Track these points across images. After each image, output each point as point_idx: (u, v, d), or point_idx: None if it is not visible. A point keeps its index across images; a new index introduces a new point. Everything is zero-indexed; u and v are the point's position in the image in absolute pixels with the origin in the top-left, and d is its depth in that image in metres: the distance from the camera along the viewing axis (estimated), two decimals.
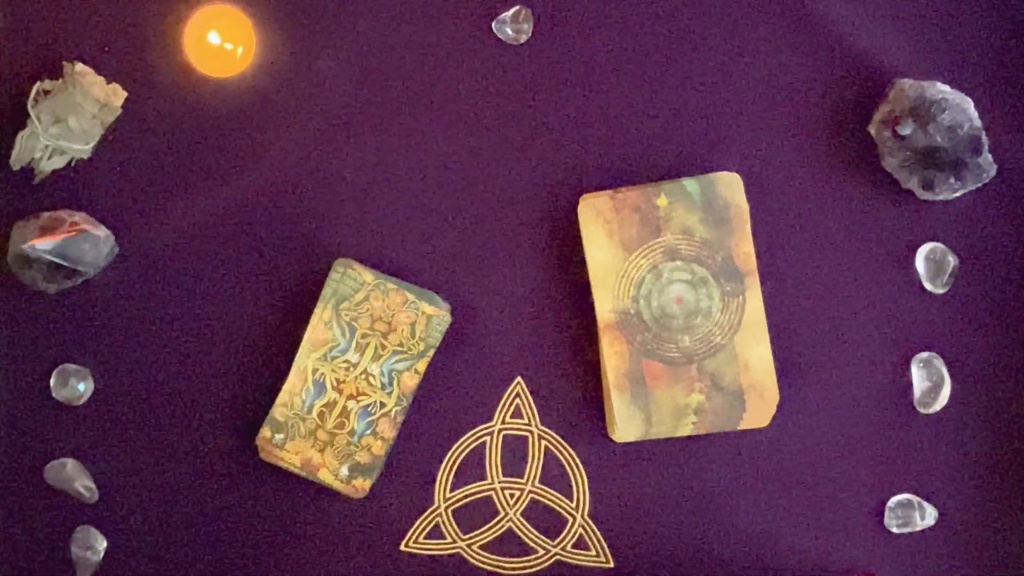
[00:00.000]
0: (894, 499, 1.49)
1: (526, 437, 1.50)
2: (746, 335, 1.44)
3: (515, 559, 1.51)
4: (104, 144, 1.49)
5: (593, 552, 1.50)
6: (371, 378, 1.46)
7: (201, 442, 1.50)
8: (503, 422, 1.50)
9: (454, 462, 1.50)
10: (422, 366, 1.46)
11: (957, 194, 1.45)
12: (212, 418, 1.50)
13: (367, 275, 1.46)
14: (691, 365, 1.45)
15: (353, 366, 1.46)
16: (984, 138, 1.43)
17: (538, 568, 1.51)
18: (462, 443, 1.50)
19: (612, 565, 1.51)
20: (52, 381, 1.50)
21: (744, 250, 1.44)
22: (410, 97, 1.49)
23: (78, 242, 1.44)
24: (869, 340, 1.49)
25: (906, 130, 1.42)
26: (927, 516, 1.48)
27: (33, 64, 1.48)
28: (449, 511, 1.51)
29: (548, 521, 1.50)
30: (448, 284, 1.49)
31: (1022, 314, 1.49)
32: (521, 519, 1.50)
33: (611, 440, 1.48)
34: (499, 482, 1.50)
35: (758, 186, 1.48)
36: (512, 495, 1.50)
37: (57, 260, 1.43)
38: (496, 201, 1.49)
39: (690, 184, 1.44)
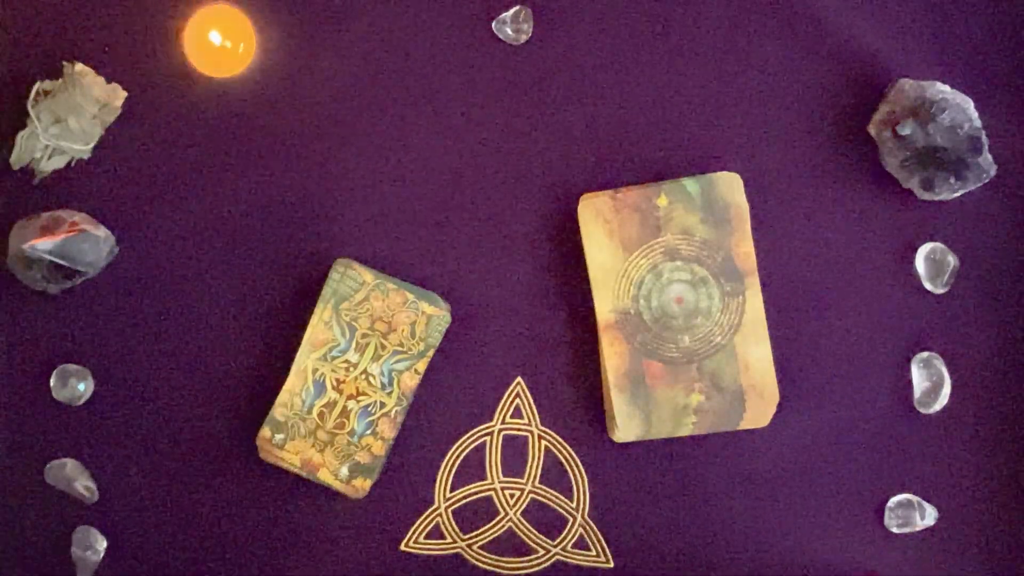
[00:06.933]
0: (894, 499, 1.49)
1: (526, 437, 1.50)
2: (746, 335, 1.44)
3: (515, 559, 1.51)
4: (104, 144, 1.49)
5: (593, 552, 1.50)
6: (371, 378, 1.46)
7: (201, 442, 1.50)
8: (503, 422, 1.50)
9: (454, 462, 1.50)
10: (422, 366, 1.46)
11: (957, 194, 1.45)
12: (212, 418, 1.50)
13: (367, 275, 1.46)
14: (691, 365, 1.45)
15: (353, 366, 1.46)
16: (984, 138, 1.43)
17: (538, 568, 1.51)
18: (462, 443, 1.50)
19: (612, 565, 1.51)
20: (52, 381, 1.50)
21: (744, 250, 1.45)
22: (410, 97, 1.49)
23: (78, 242, 1.44)
24: (869, 340, 1.49)
25: (906, 130, 1.42)
26: (927, 516, 1.48)
27: (33, 64, 1.49)
28: (449, 511, 1.51)
29: (548, 521, 1.50)
30: (448, 284, 1.50)
31: (1022, 314, 1.49)
32: (521, 519, 1.50)
33: (611, 440, 1.48)
34: (499, 482, 1.51)
35: (758, 186, 1.48)
36: (512, 495, 1.50)
37: (57, 260, 1.43)
38: (496, 201, 1.49)
39: (690, 184, 1.44)
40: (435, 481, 1.50)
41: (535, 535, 1.51)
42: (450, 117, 1.49)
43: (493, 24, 1.49)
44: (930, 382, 1.48)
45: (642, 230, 1.45)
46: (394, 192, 1.50)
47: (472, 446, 1.50)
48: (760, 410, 1.45)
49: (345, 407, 1.46)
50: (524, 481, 1.50)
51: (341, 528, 1.51)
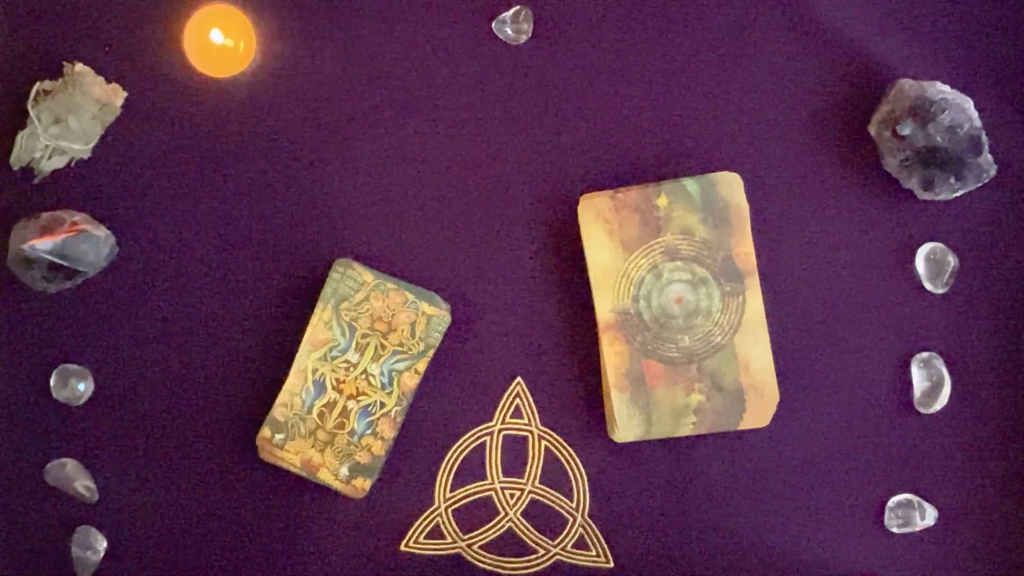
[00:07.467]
0: (894, 499, 1.49)
1: (526, 437, 1.50)
2: (746, 335, 1.44)
3: (515, 559, 1.51)
4: (104, 144, 1.49)
5: (593, 552, 1.50)
6: (371, 378, 1.46)
7: (201, 442, 1.50)
8: (503, 422, 1.50)
9: (454, 462, 1.50)
10: (422, 366, 1.46)
11: (957, 194, 1.45)
12: (212, 418, 1.50)
13: (367, 275, 1.46)
14: (691, 365, 1.45)
15: (353, 366, 1.46)
16: (984, 138, 1.43)
17: (538, 568, 1.51)
18: (462, 443, 1.50)
19: (612, 565, 1.51)
20: (52, 381, 1.50)
21: (744, 250, 1.45)
22: (410, 97, 1.49)
23: (78, 242, 1.44)
24: (869, 340, 1.49)
25: (906, 130, 1.42)
26: (927, 516, 1.48)
27: (33, 64, 1.49)
28: (449, 511, 1.51)
29: (548, 521, 1.50)
30: (448, 284, 1.49)
31: (1022, 314, 1.49)
32: (521, 519, 1.50)
33: (611, 440, 1.48)
34: (499, 482, 1.50)
35: (758, 186, 1.48)
36: (512, 495, 1.50)
37: (57, 260, 1.43)
38: (496, 201, 1.49)
39: (690, 184, 1.44)
40: (435, 481, 1.50)
41: (535, 535, 1.51)
42: (450, 117, 1.49)
43: (493, 24, 1.49)
44: (930, 382, 1.48)
45: (642, 230, 1.45)
46: (394, 192, 1.50)
47: (472, 446, 1.50)
48: (760, 410, 1.45)
49: (345, 407, 1.46)
50: (524, 481, 1.50)
51: (341, 528, 1.50)
